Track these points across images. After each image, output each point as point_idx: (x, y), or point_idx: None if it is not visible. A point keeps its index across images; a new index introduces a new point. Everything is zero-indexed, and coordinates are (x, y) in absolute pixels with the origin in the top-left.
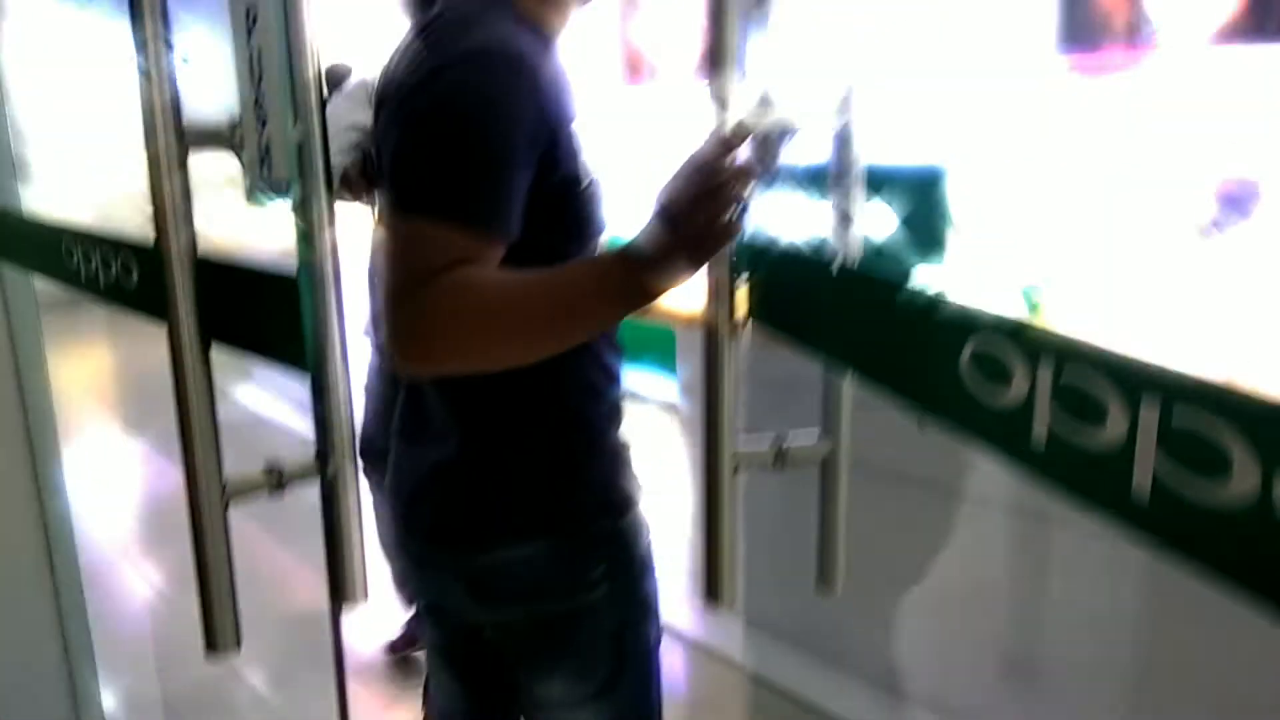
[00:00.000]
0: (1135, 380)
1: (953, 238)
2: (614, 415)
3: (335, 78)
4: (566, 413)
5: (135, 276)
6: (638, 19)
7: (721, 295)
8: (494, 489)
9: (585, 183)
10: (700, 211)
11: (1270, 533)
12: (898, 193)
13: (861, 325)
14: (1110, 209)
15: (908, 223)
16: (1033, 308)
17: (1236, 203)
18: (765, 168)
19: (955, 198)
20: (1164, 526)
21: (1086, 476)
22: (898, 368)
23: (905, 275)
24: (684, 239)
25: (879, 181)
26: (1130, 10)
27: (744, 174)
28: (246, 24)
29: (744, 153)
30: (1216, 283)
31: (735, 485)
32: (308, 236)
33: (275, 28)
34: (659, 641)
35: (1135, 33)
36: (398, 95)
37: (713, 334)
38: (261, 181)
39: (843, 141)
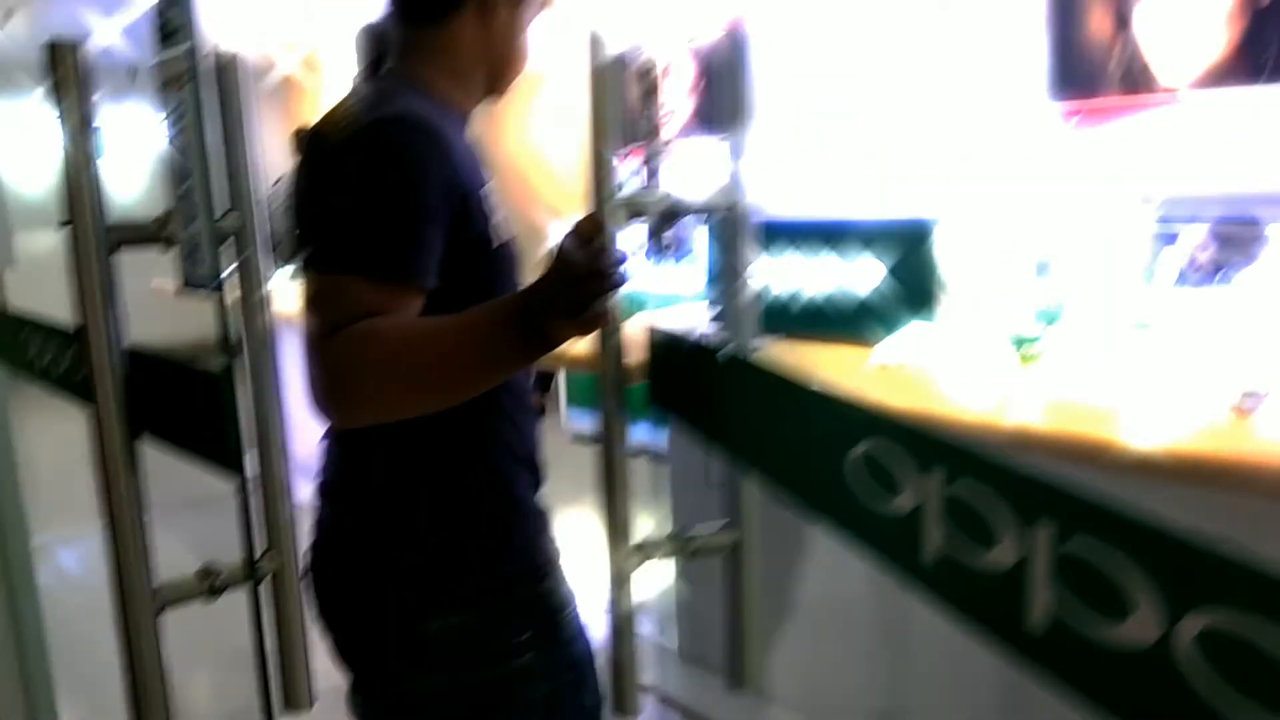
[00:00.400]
0: (1029, 501)
1: (941, 292)
2: (531, 478)
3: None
4: (484, 478)
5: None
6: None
7: (614, 416)
8: (414, 559)
9: (498, 244)
10: (575, 292)
11: (1168, 683)
12: (886, 246)
13: (748, 416)
14: (1106, 254)
15: (896, 276)
16: (1025, 359)
17: (1240, 246)
18: (653, 247)
19: (945, 250)
20: (1059, 663)
21: (978, 601)
22: (784, 464)
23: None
24: (565, 309)
25: (868, 235)
26: (1123, 56)
27: (617, 265)
28: (173, 120)
29: (627, 236)
30: (1219, 328)
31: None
32: (244, 327)
33: (195, 127)
34: (598, 707)
35: (1129, 78)
36: (310, 160)
37: (610, 447)
38: (189, 277)
39: (728, 224)
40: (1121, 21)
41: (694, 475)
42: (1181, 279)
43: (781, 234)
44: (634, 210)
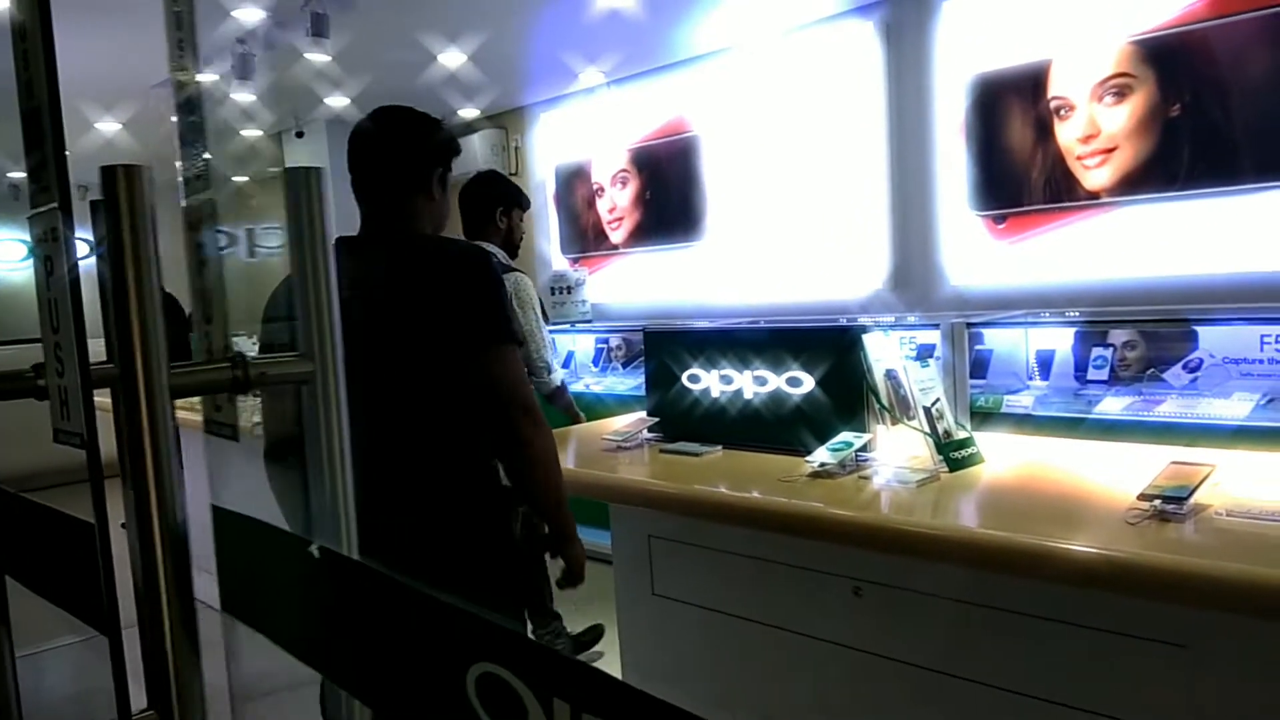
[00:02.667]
0: None
1: (872, 398)
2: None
3: None
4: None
5: None
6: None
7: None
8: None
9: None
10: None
11: None
12: (815, 355)
13: (348, 626)
14: (1036, 358)
15: (824, 384)
16: (955, 464)
17: (1167, 345)
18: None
19: (875, 358)
20: None
21: None
22: (395, 684)
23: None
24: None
25: (797, 345)
26: (1045, 166)
27: None
28: (45, 270)
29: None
30: (1146, 427)
31: None
32: (126, 485)
33: (66, 273)
34: None
35: (1052, 188)
36: (419, 274)
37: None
38: (57, 430)
39: (314, 393)
40: (1042, 133)
41: (639, 577)
42: (1111, 378)
43: (714, 344)
44: (206, 385)
